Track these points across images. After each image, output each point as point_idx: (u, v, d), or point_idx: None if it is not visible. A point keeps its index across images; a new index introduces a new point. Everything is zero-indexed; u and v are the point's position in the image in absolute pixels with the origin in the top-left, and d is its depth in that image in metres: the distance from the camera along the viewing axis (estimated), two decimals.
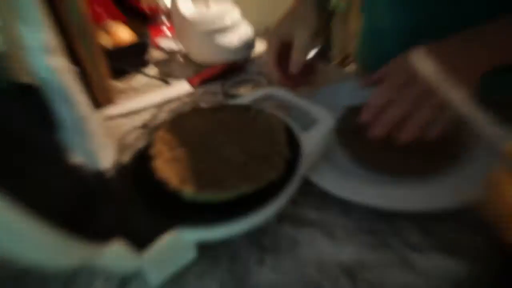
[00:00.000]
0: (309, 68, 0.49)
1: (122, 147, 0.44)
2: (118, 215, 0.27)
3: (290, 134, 0.35)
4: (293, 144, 0.34)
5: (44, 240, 0.19)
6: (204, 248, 0.32)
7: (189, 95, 0.57)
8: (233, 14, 0.64)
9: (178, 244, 0.27)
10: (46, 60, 0.34)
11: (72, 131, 0.38)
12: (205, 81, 0.59)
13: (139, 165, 0.33)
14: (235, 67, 0.62)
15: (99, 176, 0.31)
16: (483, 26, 0.34)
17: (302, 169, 0.32)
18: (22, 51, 0.34)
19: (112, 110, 0.53)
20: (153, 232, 0.26)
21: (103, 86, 0.54)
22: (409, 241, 0.31)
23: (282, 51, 0.47)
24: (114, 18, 0.73)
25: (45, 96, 0.37)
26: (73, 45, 0.49)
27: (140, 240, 0.25)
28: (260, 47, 0.71)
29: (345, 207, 0.35)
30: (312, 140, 0.35)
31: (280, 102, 0.43)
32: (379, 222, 0.33)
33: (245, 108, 0.39)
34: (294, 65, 0.44)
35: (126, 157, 0.42)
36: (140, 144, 0.38)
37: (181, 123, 0.37)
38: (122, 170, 0.34)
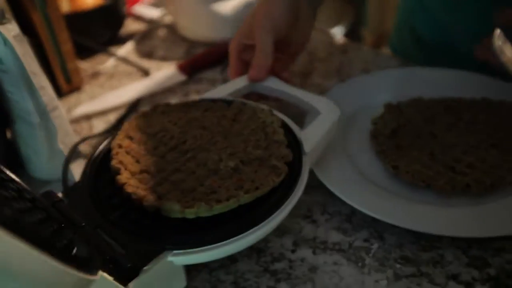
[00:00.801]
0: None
1: (71, 155, 0.45)
2: (91, 242, 0.32)
3: (286, 131, 0.41)
4: (291, 143, 0.40)
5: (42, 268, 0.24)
6: (206, 274, 0.38)
7: (179, 85, 0.63)
8: None
9: (168, 271, 0.33)
10: None
11: (33, 127, 0.44)
12: (199, 68, 0.66)
13: (96, 181, 0.38)
14: None
15: (49, 196, 0.36)
16: None
17: (306, 171, 0.38)
18: None
19: (81, 107, 0.58)
20: (135, 260, 0.31)
21: (67, 67, 0.60)
22: (455, 273, 0.36)
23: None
24: None
25: None
26: (23, 10, 0.55)
27: (123, 270, 0.31)
28: None
29: (377, 229, 0.40)
30: (313, 136, 0.41)
31: (268, 93, 0.49)
32: (418, 248, 0.38)
33: (225, 102, 0.45)
34: (257, 72, 0.48)
35: (77, 169, 0.45)
36: (94, 153, 0.40)
37: (143, 125, 0.42)
38: (76, 187, 0.38)
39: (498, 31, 0.40)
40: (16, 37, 0.41)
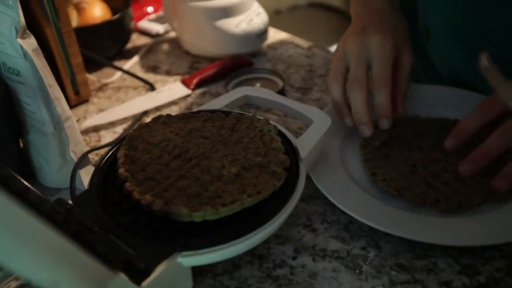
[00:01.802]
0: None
1: (79, 164, 0.47)
2: (106, 245, 0.34)
3: (282, 139, 0.44)
4: (288, 150, 0.43)
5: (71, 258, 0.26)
6: (210, 279, 0.40)
7: (183, 98, 0.66)
8: None
9: (177, 271, 0.35)
10: (17, 42, 0.42)
11: (46, 136, 0.47)
12: (203, 82, 0.69)
13: (104, 188, 0.40)
14: (242, 63, 0.72)
15: (61, 203, 0.38)
16: None
17: (303, 175, 0.41)
18: None
19: (90, 119, 0.61)
20: (147, 261, 0.33)
21: (76, 79, 0.63)
22: (447, 280, 0.39)
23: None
24: None
25: (12, 88, 0.46)
26: (37, 25, 0.57)
27: (137, 271, 0.33)
28: (273, 36, 0.81)
29: (373, 237, 0.43)
30: (308, 143, 0.45)
31: (263, 104, 0.53)
32: (412, 257, 0.41)
33: (223, 113, 0.48)
34: (402, 99, 0.52)
35: (86, 178, 0.45)
36: (101, 162, 0.43)
37: (146, 136, 0.45)
38: (85, 194, 0.40)
39: (485, 53, 0.43)
40: (35, 50, 0.44)
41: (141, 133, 0.45)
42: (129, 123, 0.61)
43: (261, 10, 0.76)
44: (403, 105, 0.52)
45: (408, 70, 0.52)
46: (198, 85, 0.68)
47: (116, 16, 0.72)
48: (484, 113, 0.45)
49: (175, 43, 0.80)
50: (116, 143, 0.45)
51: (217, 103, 0.51)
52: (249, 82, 0.67)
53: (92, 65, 0.72)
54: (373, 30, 0.51)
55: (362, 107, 0.49)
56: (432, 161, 0.48)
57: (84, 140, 0.57)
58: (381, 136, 0.51)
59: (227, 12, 0.72)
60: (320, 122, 0.48)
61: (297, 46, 0.79)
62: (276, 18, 0.84)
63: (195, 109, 0.56)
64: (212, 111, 0.49)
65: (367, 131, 0.50)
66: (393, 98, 0.50)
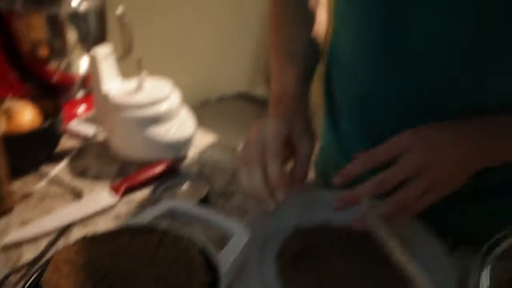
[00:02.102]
0: None
1: None
2: None
3: (204, 255, 0.47)
4: (209, 265, 0.46)
5: None
6: None
7: (110, 207, 0.67)
8: (171, 98, 0.79)
9: None
10: None
11: None
12: (131, 188, 0.72)
13: None
14: (170, 168, 0.76)
15: None
16: (484, 118, 0.51)
17: None
18: None
19: (12, 234, 0.60)
20: None
21: (0, 193, 0.63)
22: None
23: None
24: (16, 93, 0.84)
25: None
26: None
27: None
28: (200, 139, 0.87)
29: None
30: (228, 258, 0.48)
31: (185, 217, 0.56)
32: None
33: (149, 230, 0.50)
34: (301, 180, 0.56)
35: None
36: None
37: (72, 257, 0.45)
38: None
39: (365, 199, 0.50)
40: None
41: (66, 254, 0.46)
42: (53, 236, 0.61)
43: (188, 116, 0.82)
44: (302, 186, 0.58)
45: (304, 158, 0.57)
46: (126, 191, 0.70)
47: (46, 124, 0.74)
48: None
49: (104, 146, 0.83)
50: (39, 267, 0.46)
51: (144, 217, 0.54)
52: (175, 188, 0.71)
53: (18, 171, 0.72)
54: (271, 117, 0.57)
55: (258, 183, 0.53)
56: (338, 270, 0.53)
57: (5, 256, 0.57)
58: (294, 247, 0.56)
59: (156, 120, 0.77)
60: (239, 235, 0.51)
61: (223, 149, 0.84)
62: (205, 108, 0.91)
63: (122, 220, 0.58)
64: (138, 227, 0.51)
65: (270, 205, 0.55)
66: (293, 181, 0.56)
